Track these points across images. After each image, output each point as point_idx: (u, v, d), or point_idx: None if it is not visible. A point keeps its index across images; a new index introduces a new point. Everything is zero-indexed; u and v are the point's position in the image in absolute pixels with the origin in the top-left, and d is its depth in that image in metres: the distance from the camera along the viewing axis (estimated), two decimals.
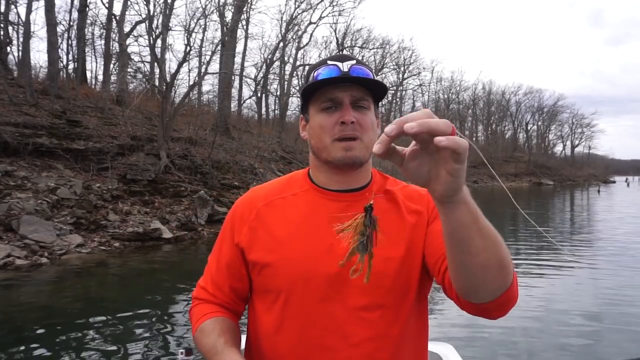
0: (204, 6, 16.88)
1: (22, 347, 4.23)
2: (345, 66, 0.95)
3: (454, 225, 0.68)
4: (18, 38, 16.12)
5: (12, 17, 15.70)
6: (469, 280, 0.75)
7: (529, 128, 70.43)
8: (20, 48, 15.50)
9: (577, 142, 76.72)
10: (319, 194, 1.00)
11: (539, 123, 71.79)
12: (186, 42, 15.34)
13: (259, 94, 28.73)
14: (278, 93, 29.94)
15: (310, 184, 1.03)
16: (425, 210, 0.99)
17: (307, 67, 1.05)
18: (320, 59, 1.04)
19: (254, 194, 1.06)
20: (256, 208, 1.01)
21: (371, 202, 0.73)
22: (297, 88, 31.95)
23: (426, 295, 1.01)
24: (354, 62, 0.96)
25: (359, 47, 32.65)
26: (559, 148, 77.61)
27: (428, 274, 0.97)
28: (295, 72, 29.43)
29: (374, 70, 1.02)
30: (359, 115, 0.94)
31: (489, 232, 0.70)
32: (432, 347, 1.95)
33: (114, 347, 4.26)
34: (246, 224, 1.00)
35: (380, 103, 1.05)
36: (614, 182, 72.23)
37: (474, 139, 64.73)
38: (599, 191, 40.13)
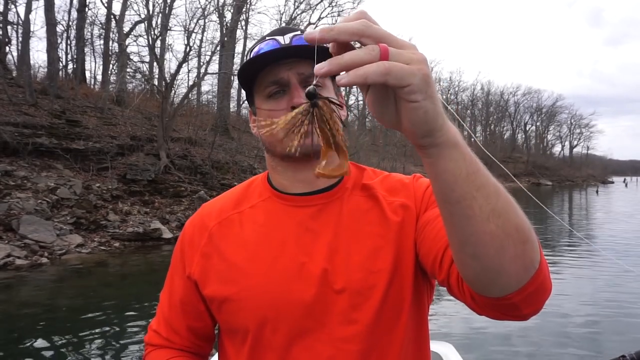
0: (203, 7, 16.88)
1: (22, 347, 4.23)
2: (286, 39, 0.77)
3: (444, 178, 0.50)
4: (17, 37, 16.11)
5: (11, 16, 15.68)
6: (482, 261, 0.54)
7: (527, 128, 70.61)
8: (20, 48, 15.48)
9: (575, 142, 76.97)
10: (282, 202, 0.82)
11: (538, 123, 72.00)
12: (186, 42, 15.33)
13: None
14: None
15: (270, 190, 0.84)
16: (412, 202, 0.80)
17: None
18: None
19: (205, 211, 0.88)
20: (208, 229, 0.83)
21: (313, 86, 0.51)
22: None
23: (424, 303, 0.83)
24: (297, 32, 0.79)
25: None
26: (557, 148, 77.86)
27: (426, 278, 0.81)
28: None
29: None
30: None
31: (497, 189, 0.52)
32: (432, 346, 1.96)
33: (114, 347, 4.27)
34: (197, 251, 0.83)
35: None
36: (612, 182, 72.44)
37: (472, 139, 64.66)
38: (597, 192, 40.27)
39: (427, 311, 0.85)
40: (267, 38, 0.80)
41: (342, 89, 0.86)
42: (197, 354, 0.89)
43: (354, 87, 0.50)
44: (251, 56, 0.78)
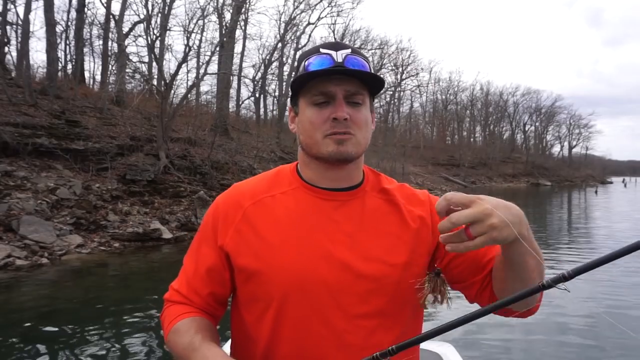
0: (203, 7, 16.88)
1: (23, 347, 4.24)
2: (339, 56, 0.86)
3: (513, 257, 0.76)
4: (17, 38, 16.10)
5: (10, 16, 15.67)
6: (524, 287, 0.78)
7: (526, 129, 70.70)
8: (19, 48, 15.47)
9: (574, 142, 77.05)
10: (310, 192, 0.92)
11: (537, 124, 72.07)
12: (186, 43, 15.34)
13: (257, 95, 28.75)
14: (276, 94, 29.97)
15: (299, 181, 0.94)
16: (428, 217, 0.94)
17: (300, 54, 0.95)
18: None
19: (238, 191, 0.96)
20: (242, 207, 0.91)
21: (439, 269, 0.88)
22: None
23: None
24: (349, 51, 0.88)
25: (357, 47, 32.70)
26: (556, 149, 77.93)
27: None
28: (293, 73, 29.45)
29: (370, 62, 0.94)
30: (352, 111, 0.87)
31: (538, 248, 0.77)
32: (432, 347, 1.97)
33: (114, 347, 4.28)
34: (232, 226, 0.91)
35: (376, 97, 0.97)
36: (611, 182, 72.53)
37: (471, 139, 65.08)
38: (596, 192, 40.35)
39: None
40: (321, 51, 0.88)
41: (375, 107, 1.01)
42: (212, 314, 0.96)
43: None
44: (305, 65, 0.88)
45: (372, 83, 0.89)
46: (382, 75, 0.88)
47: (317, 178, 0.92)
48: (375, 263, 0.87)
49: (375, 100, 1.10)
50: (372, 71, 0.89)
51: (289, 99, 0.98)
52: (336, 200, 0.91)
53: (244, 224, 0.90)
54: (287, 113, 1.01)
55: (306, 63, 0.88)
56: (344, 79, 0.86)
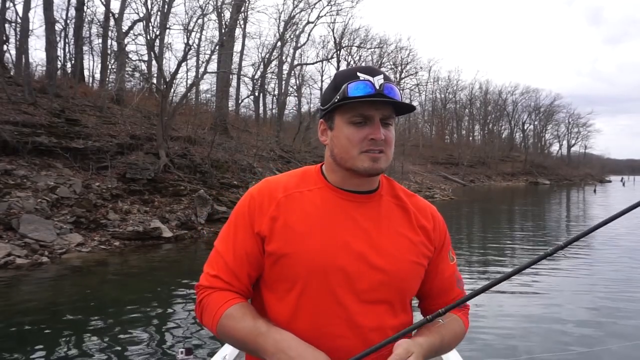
0: (203, 6, 16.86)
1: (23, 347, 4.25)
2: (377, 83, 0.98)
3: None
4: (16, 36, 16.06)
5: (9, 15, 15.63)
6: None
7: (525, 127, 70.80)
8: (18, 46, 15.43)
9: (573, 141, 77.19)
10: (334, 192, 1.04)
11: (536, 123, 72.18)
12: (185, 41, 15.33)
13: (256, 94, 28.73)
14: (276, 92, 29.95)
15: (324, 182, 1.06)
16: (431, 229, 1.09)
17: (335, 75, 1.07)
18: (350, 67, 1.07)
19: (271, 185, 1.07)
20: (276, 199, 1.02)
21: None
22: (295, 87, 31.93)
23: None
24: (382, 77, 0.99)
25: (356, 46, 32.69)
26: (555, 147, 78.10)
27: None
28: (292, 72, 29.44)
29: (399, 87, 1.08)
30: (385, 132, 0.99)
31: (451, 343, 1.06)
32: None
33: (114, 346, 4.28)
34: (267, 214, 1.01)
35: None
36: (609, 181, 72.69)
37: (470, 138, 65.05)
38: (595, 190, 40.44)
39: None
40: (361, 77, 0.98)
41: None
42: (248, 298, 1.05)
43: None
44: (346, 89, 0.97)
45: (401, 107, 1.03)
46: (412, 103, 0.92)
47: (342, 182, 1.05)
48: (388, 257, 1.00)
49: None
50: (403, 100, 1.03)
51: (319, 113, 1.10)
52: (356, 202, 1.04)
53: (277, 213, 1.01)
54: (317, 126, 1.09)
55: (347, 87, 0.98)
56: (381, 104, 0.98)
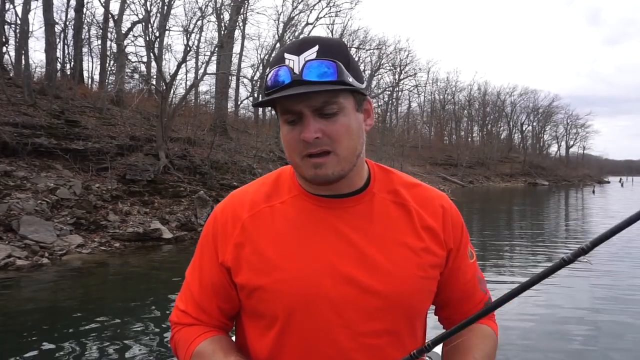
0: (203, 8, 16.90)
1: (23, 347, 4.24)
2: (299, 64, 0.74)
3: None
4: (16, 37, 16.07)
5: (8, 16, 15.64)
6: None
7: (524, 129, 70.90)
8: (17, 47, 15.45)
9: (572, 142, 77.32)
10: (310, 200, 0.85)
11: (534, 124, 72.32)
12: (185, 43, 15.36)
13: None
14: None
15: (299, 188, 0.87)
16: (439, 227, 0.87)
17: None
18: (286, 45, 0.81)
19: (235, 201, 0.89)
20: (241, 220, 0.85)
21: None
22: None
23: (426, 312, 0.93)
24: (313, 52, 0.75)
25: (355, 47, 32.77)
26: (553, 148, 78.24)
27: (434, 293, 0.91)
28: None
29: (347, 53, 0.79)
30: (326, 125, 0.76)
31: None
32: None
33: (114, 347, 4.29)
34: (230, 240, 0.85)
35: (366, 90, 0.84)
36: (608, 182, 72.82)
37: (469, 139, 65.18)
38: (593, 191, 40.56)
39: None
40: (285, 58, 0.76)
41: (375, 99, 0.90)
42: (225, 329, 0.92)
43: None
44: (267, 79, 0.77)
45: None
46: (350, 79, 0.75)
47: (314, 189, 0.85)
48: (384, 276, 0.81)
49: (374, 101, 1.01)
50: (348, 68, 0.76)
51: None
52: (339, 208, 0.84)
53: (242, 238, 0.84)
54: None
55: (268, 77, 0.77)
56: (307, 94, 0.74)
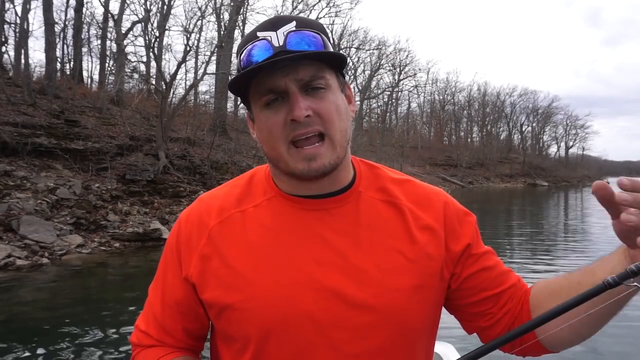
0: (202, 8, 16.92)
1: (23, 348, 4.25)
2: (279, 38, 0.67)
3: (622, 306, 0.65)
4: (15, 37, 16.07)
5: (8, 16, 15.64)
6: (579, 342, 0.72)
7: (523, 129, 70.97)
8: (17, 47, 15.45)
9: (571, 143, 77.41)
10: (288, 202, 0.74)
11: (534, 124, 72.39)
12: (185, 43, 15.37)
13: None
14: None
15: (275, 189, 0.76)
16: (440, 226, 0.75)
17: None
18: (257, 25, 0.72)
19: (203, 207, 0.78)
20: (207, 229, 0.75)
21: None
22: None
23: (437, 325, 0.80)
24: (292, 26, 0.68)
25: (355, 48, 32.82)
26: (553, 149, 78.29)
27: (443, 302, 0.78)
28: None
29: (325, 29, 0.72)
30: (315, 102, 0.67)
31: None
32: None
33: (114, 347, 4.30)
34: (195, 252, 0.74)
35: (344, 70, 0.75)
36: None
37: (469, 140, 65.29)
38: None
39: (436, 332, 0.82)
40: (258, 36, 0.68)
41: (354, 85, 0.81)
42: (192, 350, 0.82)
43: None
44: (241, 59, 0.69)
45: (332, 57, 0.70)
46: (337, 49, 0.58)
47: (294, 188, 0.74)
48: (373, 288, 0.70)
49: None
50: (330, 42, 0.71)
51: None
52: (322, 209, 0.73)
53: (209, 248, 0.74)
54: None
55: (242, 57, 0.69)
56: (293, 66, 0.66)
